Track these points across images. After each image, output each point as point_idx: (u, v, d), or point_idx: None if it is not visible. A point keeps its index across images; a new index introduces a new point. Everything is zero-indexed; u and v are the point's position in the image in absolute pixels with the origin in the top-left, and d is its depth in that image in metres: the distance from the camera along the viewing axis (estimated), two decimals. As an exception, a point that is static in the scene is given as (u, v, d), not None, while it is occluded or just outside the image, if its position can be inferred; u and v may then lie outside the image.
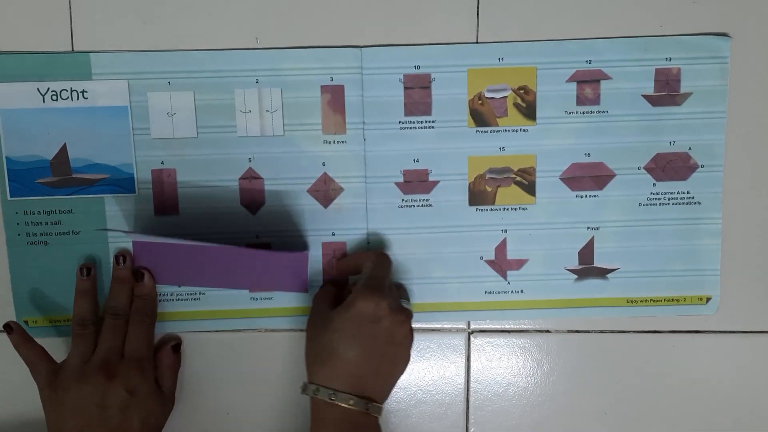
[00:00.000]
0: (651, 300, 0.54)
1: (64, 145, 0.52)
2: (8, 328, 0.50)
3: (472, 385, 0.55)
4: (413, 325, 0.49)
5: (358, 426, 0.46)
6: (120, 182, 0.52)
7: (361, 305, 0.46)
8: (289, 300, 0.54)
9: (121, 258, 0.51)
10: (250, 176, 0.52)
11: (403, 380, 0.55)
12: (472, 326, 0.55)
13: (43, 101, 0.51)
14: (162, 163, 0.52)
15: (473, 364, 0.55)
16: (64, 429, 0.48)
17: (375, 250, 0.52)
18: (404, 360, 0.49)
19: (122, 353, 0.49)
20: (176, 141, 0.52)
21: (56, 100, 0.51)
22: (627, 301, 0.54)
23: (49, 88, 0.51)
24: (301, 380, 0.54)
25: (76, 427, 0.47)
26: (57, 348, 0.54)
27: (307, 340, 0.49)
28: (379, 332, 0.46)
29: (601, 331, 0.54)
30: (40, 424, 0.53)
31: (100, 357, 0.48)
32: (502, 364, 0.55)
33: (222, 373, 0.54)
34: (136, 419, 0.48)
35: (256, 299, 0.54)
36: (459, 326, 0.55)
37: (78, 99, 0.51)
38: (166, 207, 0.52)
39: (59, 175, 0.52)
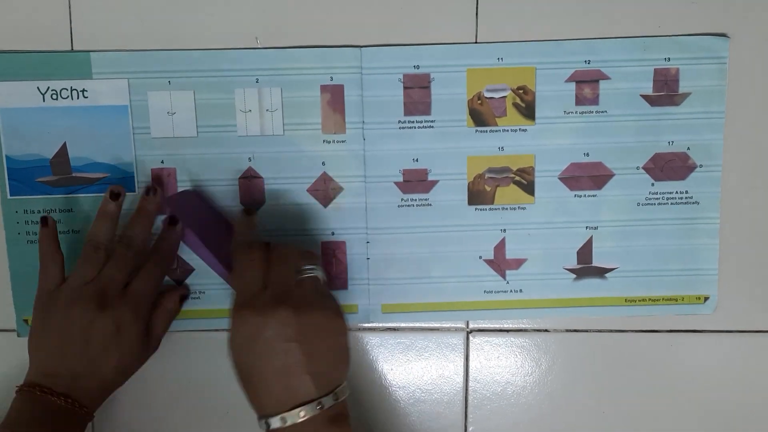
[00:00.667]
0: (649, 299, 0.54)
1: (64, 144, 0.52)
2: (44, 221, 0.49)
3: (470, 384, 0.55)
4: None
5: (328, 428, 0.41)
6: (120, 181, 0.52)
7: (233, 333, 0.42)
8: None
9: (152, 190, 0.50)
10: (250, 175, 0.53)
11: (402, 379, 0.55)
12: (471, 325, 0.55)
13: (43, 100, 0.51)
14: (162, 162, 0.52)
15: (472, 364, 0.55)
16: (44, 345, 0.46)
17: (236, 242, 0.47)
18: (317, 338, 0.42)
19: (123, 286, 0.47)
20: (176, 140, 0.52)
21: (56, 99, 0.51)
22: (625, 300, 0.54)
23: (49, 87, 0.51)
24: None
25: (55, 345, 0.46)
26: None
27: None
28: (277, 328, 0.41)
29: (600, 331, 0.55)
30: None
31: (99, 285, 0.47)
32: (500, 364, 0.55)
33: (222, 371, 0.54)
34: (114, 356, 0.46)
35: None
36: (458, 325, 0.55)
37: (78, 98, 0.51)
38: (166, 207, 0.52)
39: (59, 174, 0.52)
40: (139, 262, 0.49)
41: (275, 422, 0.41)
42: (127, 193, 0.52)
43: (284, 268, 0.43)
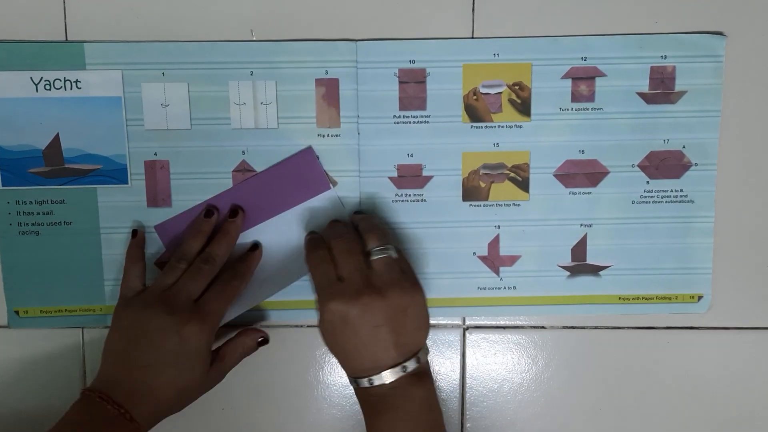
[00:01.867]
0: (643, 298, 0.54)
1: (57, 135, 0.51)
2: (134, 233, 0.51)
3: (467, 381, 0.55)
4: None
5: (403, 392, 0.45)
6: (113, 173, 0.52)
7: (324, 318, 0.45)
8: (282, 294, 0.53)
9: (237, 213, 0.51)
10: (244, 169, 0.52)
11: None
12: (468, 322, 0.55)
13: (36, 90, 0.51)
14: (155, 154, 0.52)
15: (468, 360, 0.55)
16: (112, 348, 0.47)
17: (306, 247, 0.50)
18: (398, 321, 0.45)
19: (196, 298, 0.48)
20: (170, 132, 0.52)
21: (49, 89, 0.51)
22: (619, 298, 0.54)
23: (42, 78, 0.51)
24: (295, 375, 0.54)
25: (121, 349, 0.47)
26: (50, 338, 0.54)
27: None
28: (355, 328, 0.45)
29: (596, 327, 0.54)
30: (38, 420, 0.53)
31: (171, 292, 0.48)
32: (497, 360, 0.55)
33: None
34: (173, 368, 0.46)
35: (248, 292, 0.54)
36: (454, 322, 0.55)
37: (71, 89, 0.51)
38: (159, 198, 0.52)
39: (52, 165, 0.52)
40: (209, 277, 0.49)
41: (364, 383, 0.46)
42: (121, 186, 0.52)
43: (351, 258, 0.46)
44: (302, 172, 0.52)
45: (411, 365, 0.45)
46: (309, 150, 0.52)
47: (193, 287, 0.48)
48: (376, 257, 0.46)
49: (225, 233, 0.51)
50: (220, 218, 0.52)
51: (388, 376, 0.45)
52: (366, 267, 0.46)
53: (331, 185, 0.52)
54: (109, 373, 0.47)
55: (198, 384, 0.48)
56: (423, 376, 0.46)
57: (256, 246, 0.52)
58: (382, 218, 0.53)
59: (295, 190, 0.52)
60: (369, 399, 0.46)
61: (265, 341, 0.53)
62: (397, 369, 0.45)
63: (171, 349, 0.46)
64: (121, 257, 0.52)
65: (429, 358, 0.47)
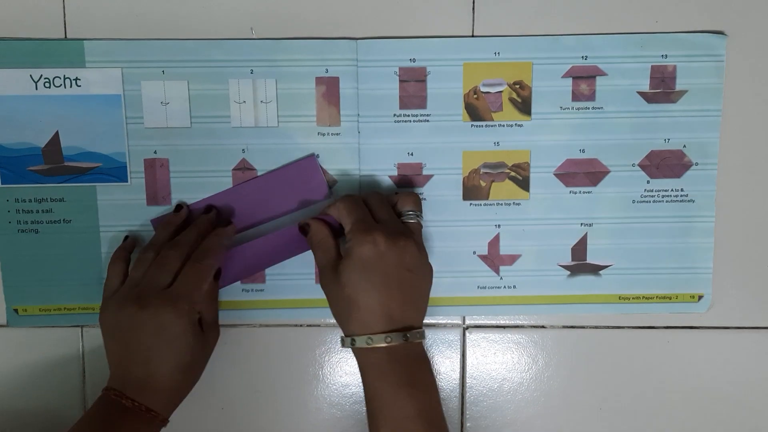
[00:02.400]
0: (643, 297, 0.54)
1: (57, 133, 0.51)
2: (126, 238, 0.51)
3: (467, 380, 0.55)
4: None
5: (403, 359, 0.45)
6: (112, 171, 0.52)
7: (358, 251, 0.45)
8: (279, 292, 0.53)
9: (210, 211, 0.51)
10: (244, 167, 0.52)
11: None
12: (468, 322, 0.55)
13: (36, 88, 0.51)
14: (155, 152, 0.52)
15: (468, 360, 0.55)
16: (109, 350, 0.47)
17: (337, 198, 0.50)
18: (425, 276, 0.48)
19: (166, 286, 0.47)
20: (170, 130, 0.52)
21: (49, 87, 0.51)
22: (619, 298, 0.54)
23: (42, 75, 0.51)
24: (295, 375, 0.54)
25: (115, 351, 0.47)
26: (48, 337, 0.54)
27: (327, 299, 0.48)
28: (387, 266, 0.45)
29: (596, 327, 0.54)
30: (38, 418, 0.53)
31: (140, 286, 0.47)
32: (497, 360, 0.55)
33: (216, 368, 0.54)
34: (167, 356, 0.46)
35: (248, 290, 0.53)
36: (454, 321, 0.55)
37: (71, 86, 0.51)
38: (159, 197, 0.52)
39: (51, 162, 0.52)
40: (180, 263, 0.48)
41: (361, 341, 0.45)
42: (121, 184, 0.52)
43: (386, 210, 0.48)
44: (303, 179, 0.52)
45: (413, 336, 0.45)
46: (312, 158, 0.52)
47: (161, 276, 0.47)
48: (407, 220, 0.48)
49: (196, 225, 0.50)
50: (217, 215, 0.52)
51: (388, 339, 0.45)
52: (396, 219, 0.48)
53: (331, 194, 0.52)
54: (116, 372, 0.47)
55: (201, 355, 0.48)
56: (422, 356, 0.47)
57: (228, 222, 0.51)
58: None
59: (295, 195, 0.52)
60: (366, 360, 0.46)
61: (219, 272, 0.50)
62: (400, 334, 0.45)
63: (158, 340, 0.46)
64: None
65: (429, 358, 0.47)
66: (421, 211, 0.50)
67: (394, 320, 0.45)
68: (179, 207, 0.52)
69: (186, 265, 0.48)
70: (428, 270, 0.48)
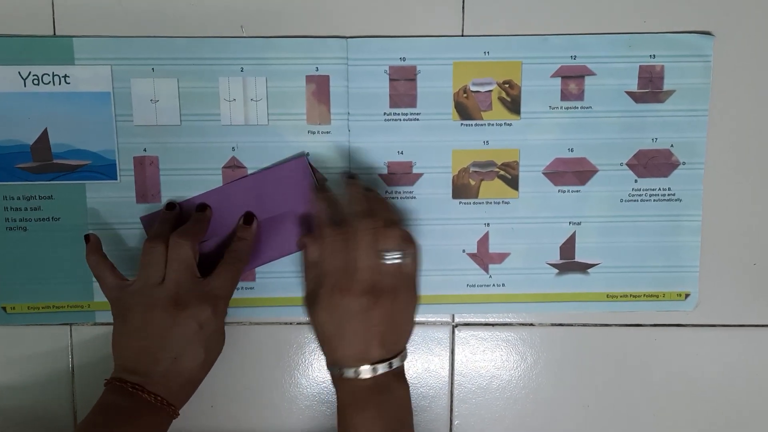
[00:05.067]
0: (631, 295, 0.54)
1: (45, 130, 0.51)
2: (87, 238, 0.51)
3: (456, 378, 0.55)
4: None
5: (384, 389, 0.46)
6: (102, 169, 0.52)
7: (326, 305, 0.46)
8: (270, 290, 0.53)
9: (206, 209, 0.52)
10: (234, 165, 0.52)
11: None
12: (457, 319, 0.55)
13: (25, 85, 0.50)
14: (144, 150, 0.52)
15: (457, 357, 0.55)
16: (128, 346, 0.47)
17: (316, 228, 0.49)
18: (407, 305, 0.47)
19: (194, 280, 0.48)
20: (159, 128, 0.52)
21: (38, 84, 0.50)
22: (607, 296, 0.54)
23: (30, 72, 0.50)
24: (285, 372, 0.54)
25: (140, 347, 0.47)
26: (38, 335, 0.53)
27: (312, 324, 0.48)
28: (366, 309, 0.45)
29: (584, 325, 0.55)
30: (26, 416, 0.53)
31: (170, 288, 0.47)
32: (486, 357, 0.55)
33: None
34: (200, 352, 0.47)
35: (238, 288, 0.53)
36: (443, 319, 0.55)
37: (60, 84, 0.51)
38: (148, 195, 0.52)
39: (40, 160, 0.51)
40: (196, 252, 0.49)
41: (349, 372, 0.46)
42: (110, 182, 0.52)
43: (370, 252, 0.46)
44: (294, 179, 0.52)
45: (396, 363, 0.46)
46: (302, 158, 0.52)
47: (188, 273, 0.48)
48: (390, 260, 0.47)
49: (197, 219, 0.51)
50: (210, 216, 0.52)
51: (371, 371, 0.46)
52: (378, 264, 0.46)
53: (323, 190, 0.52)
54: (135, 366, 0.47)
55: (219, 351, 0.50)
56: (401, 375, 0.48)
57: (249, 220, 0.51)
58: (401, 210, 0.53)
59: (285, 195, 0.52)
60: (349, 391, 0.46)
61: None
62: (385, 365, 0.46)
63: (192, 338, 0.47)
64: (110, 253, 0.51)
65: (418, 356, 0.47)
66: (405, 247, 0.47)
67: (382, 351, 0.46)
68: (171, 205, 0.51)
69: (222, 266, 0.49)
70: (412, 297, 0.48)
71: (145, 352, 0.46)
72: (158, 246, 0.48)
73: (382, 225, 0.47)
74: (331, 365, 0.47)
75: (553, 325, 0.55)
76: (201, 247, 0.51)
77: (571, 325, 0.55)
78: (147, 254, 0.48)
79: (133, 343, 0.47)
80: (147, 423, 0.46)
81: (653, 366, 0.55)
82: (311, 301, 0.47)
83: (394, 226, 0.47)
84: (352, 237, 0.46)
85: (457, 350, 0.55)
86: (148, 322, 0.46)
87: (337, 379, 0.47)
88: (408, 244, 0.47)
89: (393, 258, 0.46)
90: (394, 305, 0.46)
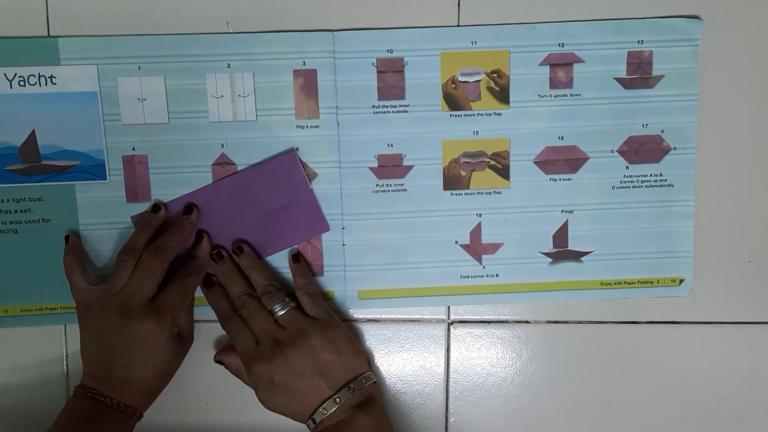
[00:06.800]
0: (625, 282, 0.54)
1: (33, 132, 0.51)
2: (67, 238, 0.51)
3: (451, 375, 0.55)
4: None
5: (359, 415, 0.47)
6: (91, 169, 0.51)
7: (254, 379, 0.49)
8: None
9: (192, 211, 0.51)
10: (224, 162, 0.52)
11: (383, 370, 0.55)
12: (452, 317, 0.55)
13: (11, 87, 0.50)
14: (133, 149, 0.52)
15: (453, 355, 0.55)
16: (88, 351, 0.49)
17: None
18: (323, 339, 0.49)
19: (151, 295, 0.48)
20: (147, 127, 0.51)
21: (24, 85, 0.50)
22: (601, 283, 0.54)
23: (16, 74, 0.50)
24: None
25: (96, 353, 0.48)
26: (30, 337, 0.53)
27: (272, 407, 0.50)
28: (282, 369, 0.48)
29: (580, 322, 0.55)
30: (22, 419, 0.53)
31: (125, 296, 0.48)
32: (481, 355, 0.55)
33: (200, 363, 0.54)
34: (147, 363, 0.48)
35: (231, 286, 0.53)
36: (439, 317, 0.55)
37: (46, 84, 0.50)
38: (138, 194, 0.52)
39: (28, 162, 0.51)
40: (162, 269, 0.49)
41: (310, 424, 0.48)
42: (99, 182, 0.52)
43: (258, 323, 0.49)
44: (284, 175, 0.52)
45: (344, 394, 0.48)
46: (292, 153, 0.51)
47: (146, 287, 0.48)
48: (278, 314, 0.50)
49: (179, 228, 0.50)
50: (199, 217, 0.52)
51: (324, 410, 0.47)
52: (272, 326, 0.49)
53: (311, 189, 0.52)
54: (94, 371, 0.48)
55: (176, 362, 0.51)
56: (370, 406, 0.48)
57: (200, 237, 0.51)
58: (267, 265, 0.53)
59: (276, 191, 0.52)
60: None
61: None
62: (331, 400, 0.47)
63: (141, 349, 0.48)
64: (102, 253, 0.51)
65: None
66: (282, 298, 0.50)
67: (325, 390, 0.48)
68: (156, 207, 0.51)
69: (173, 281, 0.50)
70: (318, 348, 0.48)
71: (102, 358, 0.48)
72: (129, 260, 0.49)
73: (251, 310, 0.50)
74: (307, 422, 0.49)
75: (548, 322, 0.55)
76: (183, 247, 0.51)
77: (566, 322, 0.55)
78: (117, 266, 0.49)
79: (92, 348, 0.48)
80: (109, 425, 0.47)
81: (648, 363, 0.55)
82: (259, 396, 0.50)
83: (263, 285, 0.51)
84: (244, 317, 0.50)
85: (452, 347, 0.55)
86: (101, 330, 0.48)
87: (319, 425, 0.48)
88: (281, 293, 0.51)
89: (280, 311, 0.50)
90: (306, 347, 0.48)
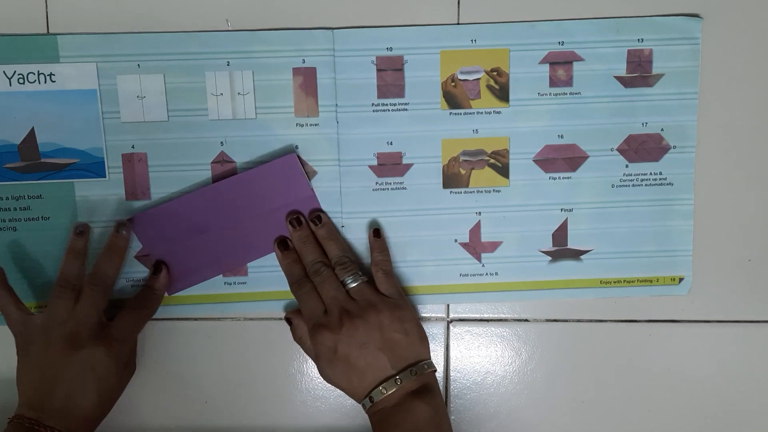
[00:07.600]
0: (624, 281, 0.54)
1: (32, 130, 0.51)
2: (79, 231, 0.50)
3: (451, 373, 0.55)
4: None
5: (416, 400, 0.47)
6: (90, 167, 0.51)
7: (318, 347, 0.49)
8: (263, 284, 0.53)
9: (122, 227, 0.51)
10: (223, 160, 0.52)
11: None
12: (451, 315, 0.55)
13: (10, 84, 0.50)
14: (132, 147, 0.52)
15: (452, 353, 0.55)
16: (28, 381, 0.48)
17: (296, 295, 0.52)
18: (392, 317, 0.49)
19: (97, 325, 0.48)
20: (147, 124, 0.51)
21: (23, 83, 0.50)
22: (600, 282, 0.54)
23: (15, 71, 0.50)
24: (279, 368, 0.54)
25: (37, 384, 0.47)
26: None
27: (333, 383, 0.50)
28: (347, 340, 0.48)
29: (579, 320, 0.55)
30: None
31: (71, 326, 0.48)
32: (480, 353, 0.55)
33: (200, 361, 0.54)
34: (92, 392, 0.47)
35: (230, 284, 0.53)
36: (438, 315, 0.55)
37: (46, 82, 0.50)
38: (138, 191, 0.52)
39: (27, 159, 0.51)
40: (105, 297, 0.49)
41: (366, 402, 0.48)
42: (99, 180, 0.52)
43: (329, 291, 0.50)
44: (284, 177, 0.51)
45: (405, 377, 0.47)
46: (292, 156, 0.51)
47: (93, 317, 0.48)
48: (350, 286, 0.50)
49: (112, 249, 0.50)
50: (130, 231, 0.51)
51: (383, 390, 0.47)
52: (343, 296, 0.49)
53: (313, 190, 0.52)
54: (33, 401, 0.47)
55: (120, 389, 0.50)
56: (427, 393, 0.48)
57: (159, 269, 0.51)
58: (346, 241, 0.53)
59: (276, 192, 0.52)
60: (375, 418, 0.47)
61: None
62: (391, 381, 0.47)
63: (87, 377, 0.47)
64: (100, 251, 0.51)
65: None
66: (357, 271, 0.50)
67: (387, 369, 0.47)
68: (80, 232, 0.50)
69: (126, 311, 0.50)
70: (385, 325, 0.48)
71: (42, 388, 0.47)
72: (67, 291, 0.48)
73: (324, 278, 0.50)
74: (363, 401, 0.48)
75: (547, 320, 0.55)
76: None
77: (566, 320, 0.55)
78: (55, 296, 0.48)
79: (31, 377, 0.48)
80: None
81: (648, 361, 0.55)
82: (319, 366, 0.50)
83: (339, 257, 0.51)
84: (315, 284, 0.50)
85: (451, 345, 0.55)
86: (44, 359, 0.47)
87: (368, 413, 0.48)
88: (350, 267, 0.51)
89: (352, 283, 0.50)
90: (373, 322, 0.48)
